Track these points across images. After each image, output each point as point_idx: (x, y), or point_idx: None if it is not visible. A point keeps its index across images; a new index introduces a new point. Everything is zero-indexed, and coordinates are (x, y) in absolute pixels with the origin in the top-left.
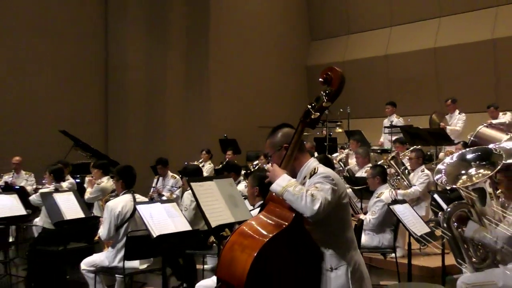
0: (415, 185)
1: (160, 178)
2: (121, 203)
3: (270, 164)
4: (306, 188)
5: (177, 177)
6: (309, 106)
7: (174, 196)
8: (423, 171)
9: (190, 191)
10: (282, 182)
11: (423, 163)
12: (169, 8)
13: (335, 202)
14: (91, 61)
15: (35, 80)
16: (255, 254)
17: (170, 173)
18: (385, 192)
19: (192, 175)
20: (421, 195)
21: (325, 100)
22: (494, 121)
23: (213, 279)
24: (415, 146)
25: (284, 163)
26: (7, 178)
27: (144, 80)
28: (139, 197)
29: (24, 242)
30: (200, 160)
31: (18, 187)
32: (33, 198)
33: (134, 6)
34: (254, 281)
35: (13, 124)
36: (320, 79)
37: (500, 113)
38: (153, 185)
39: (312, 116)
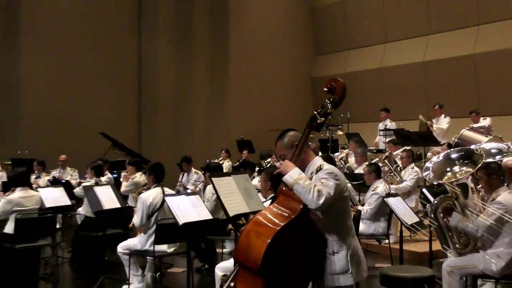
0: (406, 181)
1: (185, 174)
2: (152, 195)
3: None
4: (314, 183)
5: (200, 173)
6: (315, 112)
7: (197, 189)
8: (413, 168)
9: (211, 185)
10: (294, 175)
11: (413, 161)
12: (194, 27)
13: (337, 195)
14: (127, 72)
15: (80, 89)
16: (269, 241)
17: (193, 170)
18: (380, 186)
19: (213, 171)
20: (411, 189)
21: (329, 107)
22: (475, 125)
23: (231, 261)
24: (405, 147)
25: (293, 160)
26: (55, 173)
27: (172, 89)
28: (167, 190)
29: (69, 228)
30: (220, 158)
31: (64, 181)
32: (77, 190)
33: (164, 26)
34: (268, 264)
35: (60, 127)
36: (325, 89)
37: (481, 118)
38: (179, 180)
39: (318, 121)
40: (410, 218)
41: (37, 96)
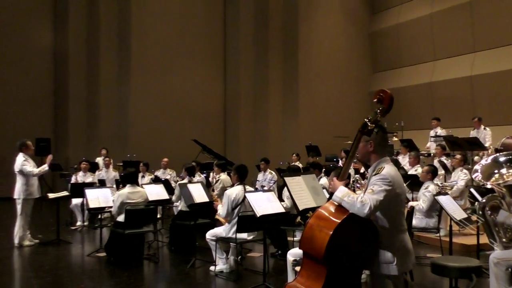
0: (456, 182)
1: (261, 173)
2: (236, 191)
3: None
4: (361, 192)
5: (273, 173)
6: (366, 120)
7: (271, 187)
8: (462, 170)
9: None
10: (339, 194)
11: (464, 164)
12: (269, 51)
13: (392, 197)
14: (214, 90)
15: (176, 104)
16: (331, 233)
17: (268, 170)
18: (431, 186)
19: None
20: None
21: (379, 115)
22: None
23: None
24: (460, 151)
25: (351, 153)
26: (157, 173)
27: (252, 103)
28: (248, 188)
29: (167, 218)
30: (293, 162)
31: (163, 179)
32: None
33: (245, 50)
34: (330, 253)
35: (161, 135)
36: (375, 99)
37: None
38: (258, 179)
39: (369, 127)
40: (459, 214)
41: (143, 111)
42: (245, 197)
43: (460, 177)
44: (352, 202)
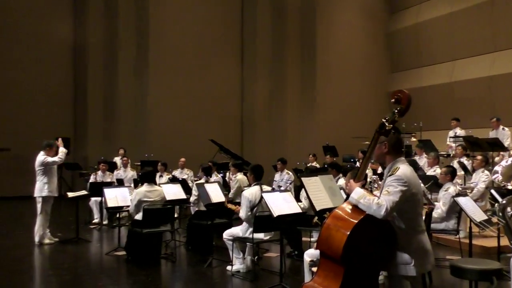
0: (476, 183)
1: (278, 173)
2: (253, 191)
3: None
4: (378, 192)
5: (290, 173)
6: (384, 120)
7: (288, 188)
8: (484, 171)
9: None
10: (355, 196)
11: (485, 165)
12: (287, 50)
13: (409, 198)
14: (231, 91)
15: (193, 105)
16: (348, 233)
17: (285, 170)
18: (451, 187)
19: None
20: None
21: (397, 115)
22: None
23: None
24: (480, 152)
25: (368, 154)
26: (175, 173)
27: (269, 104)
28: (265, 187)
29: (184, 217)
30: (310, 162)
31: (181, 179)
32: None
33: (262, 50)
34: (348, 253)
35: (178, 135)
36: (392, 100)
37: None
38: (275, 179)
39: (386, 128)
40: (479, 216)
41: (161, 111)
42: (262, 197)
43: (481, 179)
44: (368, 204)
